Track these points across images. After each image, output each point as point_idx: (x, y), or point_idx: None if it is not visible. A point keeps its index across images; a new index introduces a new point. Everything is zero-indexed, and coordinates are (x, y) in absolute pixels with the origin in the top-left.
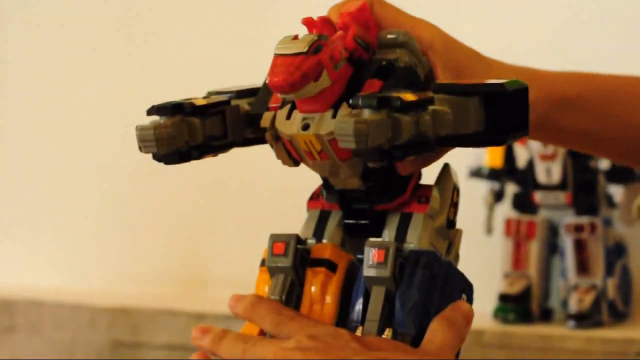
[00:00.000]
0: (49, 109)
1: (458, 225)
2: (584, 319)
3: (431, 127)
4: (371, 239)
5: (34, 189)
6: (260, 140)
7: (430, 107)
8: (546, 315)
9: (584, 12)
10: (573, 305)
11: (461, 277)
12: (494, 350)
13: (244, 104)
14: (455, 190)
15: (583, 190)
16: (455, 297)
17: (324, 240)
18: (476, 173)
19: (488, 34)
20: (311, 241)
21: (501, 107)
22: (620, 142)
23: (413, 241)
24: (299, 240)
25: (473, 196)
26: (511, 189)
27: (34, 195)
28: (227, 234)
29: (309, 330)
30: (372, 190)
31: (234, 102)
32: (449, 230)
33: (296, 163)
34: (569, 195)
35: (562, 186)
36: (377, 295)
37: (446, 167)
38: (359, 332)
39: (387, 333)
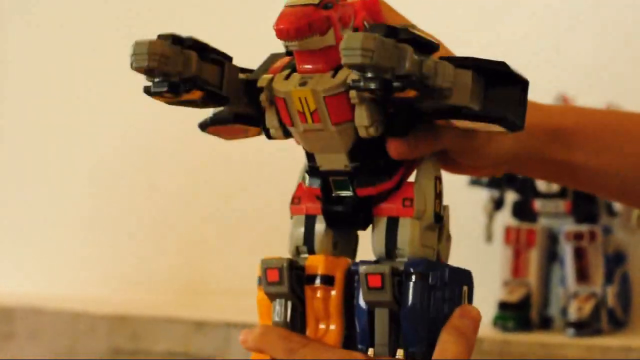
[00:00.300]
0: (47, 111)
1: (458, 235)
2: (584, 327)
3: (433, 72)
4: (365, 266)
5: (33, 196)
6: (252, 120)
7: (434, 57)
8: (546, 323)
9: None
10: (572, 313)
11: (457, 272)
12: (494, 358)
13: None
14: (437, 180)
15: (583, 198)
16: (456, 297)
17: (315, 246)
18: (476, 181)
19: (486, 35)
20: (303, 248)
21: (500, 87)
22: (616, 178)
23: (404, 247)
24: (291, 262)
25: (473, 204)
26: (511, 197)
27: (34, 202)
28: (227, 241)
29: (323, 355)
30: (357, 172)
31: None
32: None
33: (286, 133)
34: (569, 203)
35: (561, 194)
36: (382, 317)
37: (423, 160)
38: (370, 353)
39: (400, 354)
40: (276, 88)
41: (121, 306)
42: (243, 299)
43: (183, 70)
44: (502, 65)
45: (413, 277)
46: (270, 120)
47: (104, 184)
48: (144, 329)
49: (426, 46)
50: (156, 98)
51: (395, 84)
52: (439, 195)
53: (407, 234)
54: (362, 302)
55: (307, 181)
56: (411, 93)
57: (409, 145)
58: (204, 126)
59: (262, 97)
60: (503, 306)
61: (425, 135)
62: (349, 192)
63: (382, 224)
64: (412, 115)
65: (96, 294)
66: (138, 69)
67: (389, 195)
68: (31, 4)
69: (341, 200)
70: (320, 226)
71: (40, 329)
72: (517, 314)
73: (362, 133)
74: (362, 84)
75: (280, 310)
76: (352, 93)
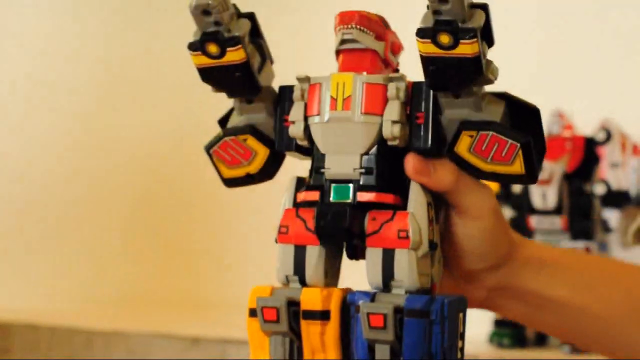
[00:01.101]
0: (44, 114)
1: None
2: None
3: (487, 60)
4: (365, 302)
5: (30, 212)
6: (265, 139)
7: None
8: (541, 340)
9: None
10: None
11: (454, 302)
12: None
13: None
14: (429, 206)
15: (578, 214)
16: (454, 327)
17: (307, 278)
18: None
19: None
20: (293, 277)
21: (524, 122)
22: (598, 320)
23: (402, 278)
24: (288, 302)
25: None
26: (507, 213)
27: (30, 218)
28: (223, 257)
29: None
30: (363, 179)
31: None
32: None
33: (306, 133)
34: (565, 219)
35: (557, 211)
36: (382, 353)
37: (412, 187)
38: None
39: None
40: (314, 77)
41: (117, 322)
42: (239, 314)
43: (234, 29)
44: (534, 107)
45: (414, 315)
46: (296, 112)
47: (97, 199)
48: (140, 344)
49: (488, 35)
50: (197, 56)
51: (462, 33)
52: (431, 222)
53: (405, 266)
54: (361, 337)
55: (306, 188)
56: (475, 46)
57: (427, 165)
58: (214, 143)
59: (297, 86)
60: (499, 323)
61: (447, 165)
62: (347, 200)
63: (377, 255)
64: (439, 132)
65: (92, 310)
66: (198, 6)
67: (381, 227)
68: (30, 4)
69: (336, 205)
70: (311, 257)
71: (36, 345)
72: (512, 331)
73: (387, 131)
74: (433, 27)
75: (277, 346)
76: (391, 85)
